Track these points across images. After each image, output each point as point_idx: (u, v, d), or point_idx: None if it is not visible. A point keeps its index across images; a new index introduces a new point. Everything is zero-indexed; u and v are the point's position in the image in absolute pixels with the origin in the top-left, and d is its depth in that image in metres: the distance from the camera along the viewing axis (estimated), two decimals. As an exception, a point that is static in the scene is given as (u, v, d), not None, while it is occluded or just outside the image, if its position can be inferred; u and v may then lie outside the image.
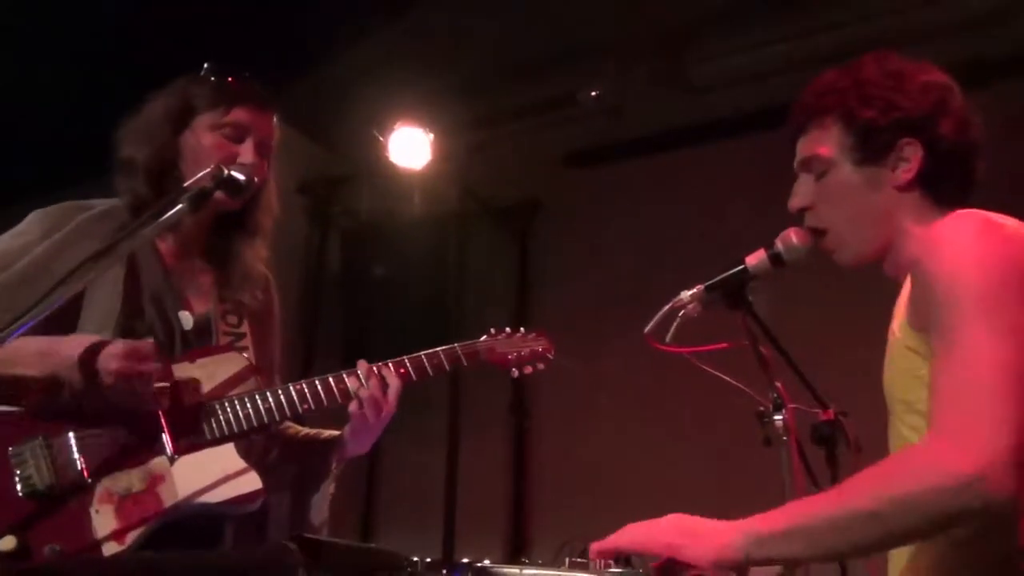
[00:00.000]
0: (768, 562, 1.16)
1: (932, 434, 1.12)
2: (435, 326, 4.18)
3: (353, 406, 1.73)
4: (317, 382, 1.72)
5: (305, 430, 1.90)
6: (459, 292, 4.34)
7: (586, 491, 3.87)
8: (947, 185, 1.39)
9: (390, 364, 1.77)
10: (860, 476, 1.13)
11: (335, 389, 1.72)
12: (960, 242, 1.21)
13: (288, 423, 1.86)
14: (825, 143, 1.43)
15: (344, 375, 1.74)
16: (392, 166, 4.10)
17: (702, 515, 1.26)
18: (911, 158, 1.37)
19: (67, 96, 3.97)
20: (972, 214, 1.26)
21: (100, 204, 1.78)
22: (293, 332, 4.34)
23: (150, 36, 3.58)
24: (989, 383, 1.08)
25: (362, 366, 1.74)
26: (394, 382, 1.74)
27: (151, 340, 1.60)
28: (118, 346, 1.55)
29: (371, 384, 1.71)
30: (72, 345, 1.55)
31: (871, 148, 1.39)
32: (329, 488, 1.80)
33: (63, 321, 1.59)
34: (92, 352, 1.53)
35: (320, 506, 1.78)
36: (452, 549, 3.93)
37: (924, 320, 1.22)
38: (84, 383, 1.53)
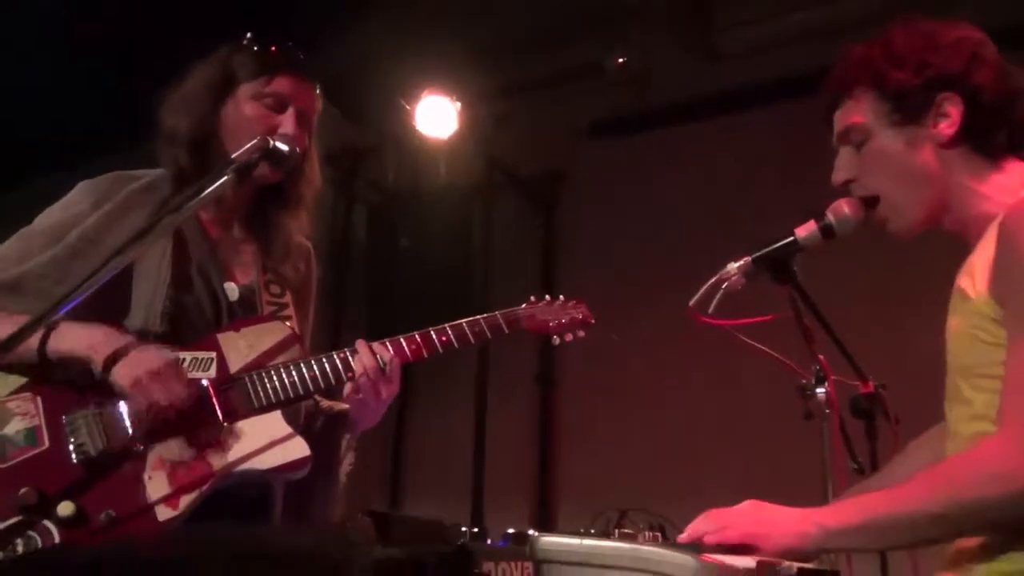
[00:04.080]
0: (837, 551, 1.22)
1: (1001, 434, 1.12)
2: (460, 296, 4.19)
3: (348, 390, 1.71)
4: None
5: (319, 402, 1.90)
6: (484, 262, 4.34)
7: (613, 458, 3.90)
8: (994, 136, 1.37)
9: (401, 339, 1.74)
10: (930, 475, 1.17)
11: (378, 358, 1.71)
12: None
13: None
14: (860, 112, 1.42)
15: (387, 342, 1.73)
16: (418, 136, 4.08)
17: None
18: (951, 112, 1.36)
19: (86, 65, 3.96)
20: None
21: (146, 175, 1.78)
22: (319, 303, 4.35)
23: (175, 10, 3.57)
24: None
25: (360, 346, 1.70)
26: (393, 360, 1.70)
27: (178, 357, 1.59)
28: (157, 360, 1.55)
29: (367, 365, 1.68)
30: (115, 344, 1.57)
31: (908, 109, 1.38)
32: (348, 460, 1.82)
33: (115, 294, 1.59)
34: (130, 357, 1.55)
35: (340, 478, 1.80)
36: (482, 516, 3.97)
37: (1007, 294, 1.21)
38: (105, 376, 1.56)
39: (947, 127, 1.37)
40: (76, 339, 1.56)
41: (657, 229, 4.15)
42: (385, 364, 1.68)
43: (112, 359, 1.55)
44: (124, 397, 1.56)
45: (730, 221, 3.67)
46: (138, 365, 1.54)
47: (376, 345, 1.72)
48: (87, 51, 3.88)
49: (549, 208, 4.59)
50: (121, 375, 1.54)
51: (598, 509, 3.07)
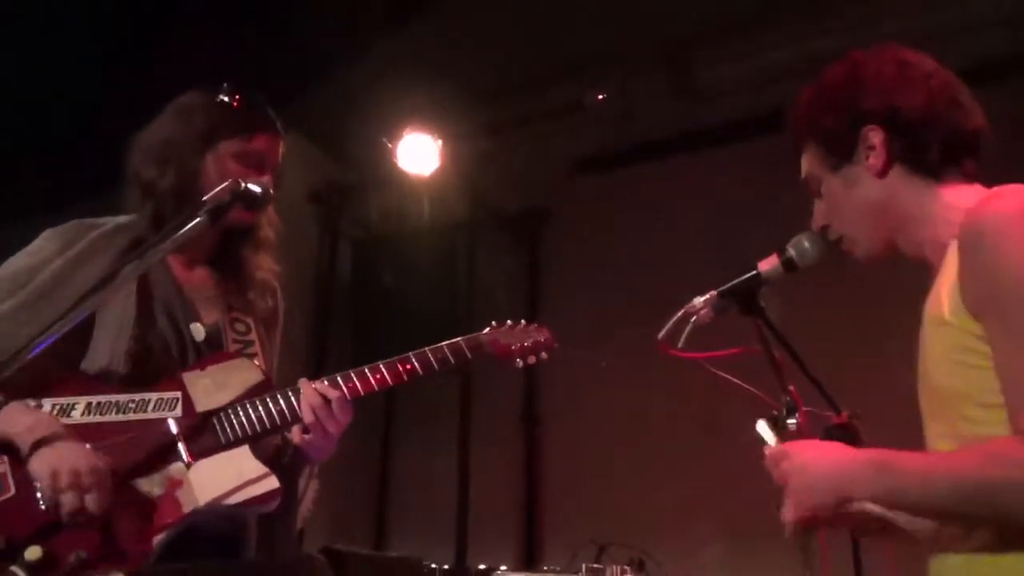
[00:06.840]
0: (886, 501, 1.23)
1: None
2: (445, 334, 4.15)
3: (295, 433, 1.69)
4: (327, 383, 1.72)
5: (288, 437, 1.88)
6: (469, 299, 4.36)
7: (598, 495, 3.87)
8: (929, 154, 1.37)
9: (365, 369, 1.73)
10: (973, 451, 1.18)
11: (343, 388, 1.71)
12: (1016, 230, 1.18)
13: None
14: (809, 163, 1.48)
15: (352, 373, 1.73)
16: (402, 174, 4.12)
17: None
18: (875, 143, 1.39)
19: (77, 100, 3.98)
20: (1016, 193, 1.23)
21: (111, 221, 1.79)
22: (304, 340, 4.37)
23: (165, 50, 3.61)
24: None
25: (304, 386, 1.69)
26: (334, 395, 1.68)
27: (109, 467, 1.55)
28: (84, 461, 1.52)
29: (313, 404, 1.67)
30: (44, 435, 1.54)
31: (838, 152, 1.42)
32: (313, 488, 1.81)
33: (76, 336, 1.59)
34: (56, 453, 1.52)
35: (302, 511, 1.79)
36: (465, 555, 3.93)
37: (983, 305, 1.20)
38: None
39: (875, 159, 1.39)
40: (10, 424, 1.55)
41: (641, 265, 4.18)
42: (331, 400, 1.67)
43: (38, 443, 1.52)
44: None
45: (714, 256, 3.70)
46: (60, 459, 1.51)
47: (319, 384, 1.70)
48: (47, 98, 3.89)
49: (533, 245, 4.62)
50: (40, 463, 1.51)
51: (582, 545, 3.05)
